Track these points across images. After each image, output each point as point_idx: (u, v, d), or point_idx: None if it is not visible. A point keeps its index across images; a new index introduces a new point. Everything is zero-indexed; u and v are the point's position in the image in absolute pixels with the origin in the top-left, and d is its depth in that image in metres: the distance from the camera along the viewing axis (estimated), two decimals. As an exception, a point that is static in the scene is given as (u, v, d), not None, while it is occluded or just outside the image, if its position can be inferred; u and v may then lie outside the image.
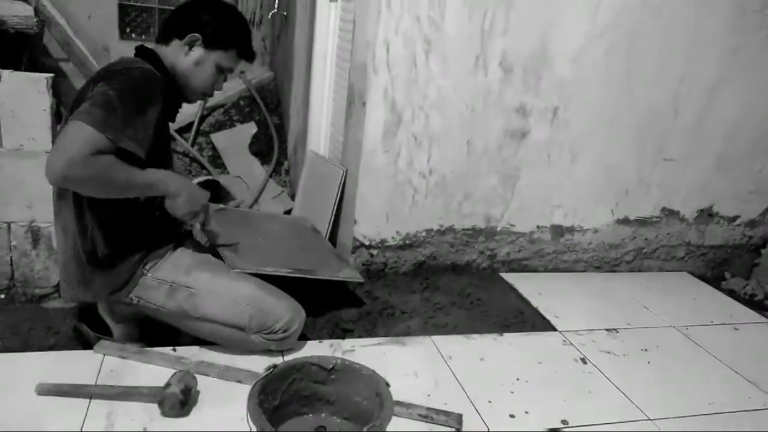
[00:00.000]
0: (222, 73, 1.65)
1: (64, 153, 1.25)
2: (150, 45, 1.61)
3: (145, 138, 1.40)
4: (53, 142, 1.57)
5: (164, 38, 1.61)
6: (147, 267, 1.60)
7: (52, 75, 2.03)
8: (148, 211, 1.58)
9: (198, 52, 1.59)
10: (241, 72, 3.88)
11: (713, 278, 2.80)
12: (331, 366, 1.38)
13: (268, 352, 1.67)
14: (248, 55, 1.68)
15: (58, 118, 2.10)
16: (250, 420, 1.16)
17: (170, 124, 1.71)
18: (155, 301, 1.60)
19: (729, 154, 2.60)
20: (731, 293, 2.66)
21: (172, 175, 1.50)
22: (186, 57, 1.59)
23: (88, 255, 1.55)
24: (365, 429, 1.17)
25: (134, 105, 1.36)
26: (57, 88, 2.23)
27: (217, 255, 1.75)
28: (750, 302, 2.59)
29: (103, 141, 1.28)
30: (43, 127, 2.02)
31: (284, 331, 1.64)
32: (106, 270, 1.56)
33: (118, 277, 1.57)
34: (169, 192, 1.48)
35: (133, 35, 3.84)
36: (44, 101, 2.00)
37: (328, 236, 2.37)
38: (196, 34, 1.58)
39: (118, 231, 1.55)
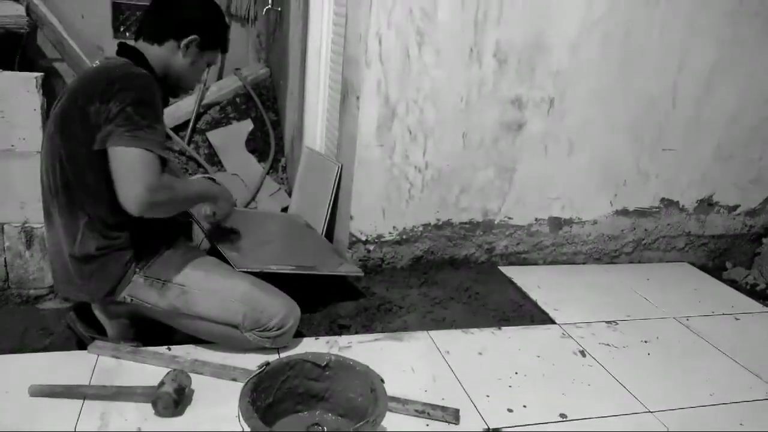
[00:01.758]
0: (209, 66, 1.71)
1: (139, 182, 1.36)
2: (130, 42, 1.60)
3: (165, 141, 1.51)
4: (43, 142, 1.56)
5: (156, 38, 1.58)
6: (139, 265, 1.58)
7: (42, 74, 2.02)
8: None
9: (193, 52, 1.61)
10: (237, 69, 3.86)
11: (714, 268, 2.78)
12: (324, 363, 1.36)
13: (263, 349, 1.66)
14: (226, 49, 1.74)
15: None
16: (242, 419, 1.14)
17: (167, 127, 1.73)
18: (148, 300, 1.59)
19: (728, 142, 2.57)
20: (732, 283, 2.63)
21: (210, 183, 1.70)
22: (183, 58, 1.60)
23: (79, 258, 1.53)
24: (359, 425, 1.16)
25: (153, 114, 1.43)
26: (51, 88, 2.21)
27: (216, 254, 1.74)
28: (751, 292, 2.56)
29: (156, 159, 1.40)
30: (34, 127, 2.00)
31: (279, 329, 1.62)
32: (97, 272, 1.55)
33: (111, 277, 1.56)
34: (216, 197, 1.70)
35: (127, 34, 3.82)
36: (35, 101, 1.99)
37: (324, 232, 2.35)
38: (195, 37, 1.58)
39: (107, 234, 1.53)
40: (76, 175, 1.48)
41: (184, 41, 1.58)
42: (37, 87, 1.98)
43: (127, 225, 1.55)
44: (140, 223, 1.57)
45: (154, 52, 1.58)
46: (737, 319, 2.23)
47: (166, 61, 1.59)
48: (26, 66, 3.15)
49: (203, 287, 1.59)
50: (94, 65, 1.58)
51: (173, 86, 1.65)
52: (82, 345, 1.70)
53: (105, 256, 1.54)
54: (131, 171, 1.37)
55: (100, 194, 1.48)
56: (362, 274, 2.06)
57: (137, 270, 1.58)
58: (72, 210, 1.51)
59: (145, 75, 1.47)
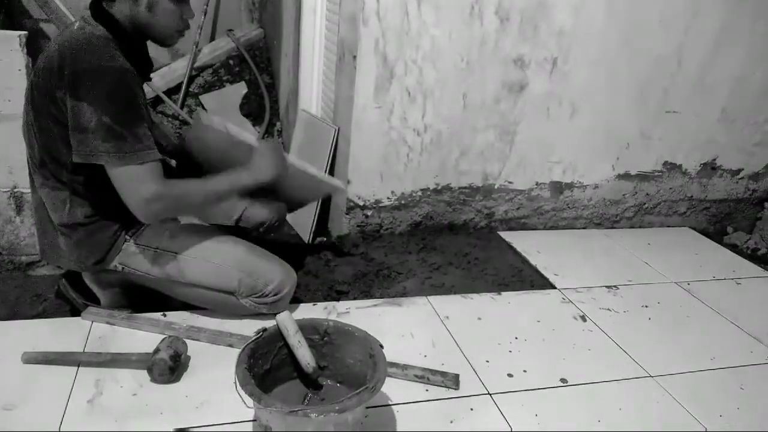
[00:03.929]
0: (181, 2, 1.46)
1: (134, 197, 1.36)
2: None
3: (151, 127, 1.41)
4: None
5: None
6: (130, 233, 1.54)
7: (25, 33, 1.93)
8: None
9: None
10: (229, 30, 3.75)
11: (715, 233, 2.76)
12: (323, 329, 1.34)
13: (260, 315, 1.63)
14: None
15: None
16: (238, 385, 1.12)
17: (160, 90, 1.60)
18: (140, 268, 1.55)
19: (733, 105, 2.52)
20: (733, 248, 2.61)
21: (238, 173, 1.51)
22: (136, 8, 1.41)
23: (67, 227, 1.49)
24: (358, 391, 1.13)
25: (131, 115, 1.35)
26: (38, 49, 2.12)
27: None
28: (752, 257, 2.55)
29: (147, 168, 1.35)
30: (20, 88, 1.91)
31: (275, 294, 1.59)
32: (86, 240, 1.51)
33: (100, 245, 1.52)
34: (246, 186, 1.52)
35: (115, -7, 3.68)
36: (19, 60, 1.91)
37: (321, 198, 2.30)
38: None
39: (94, 203, 1.48)
40: (50, 150, 1.42)
41: None
42: (20, 46, 1.90)
43: (113, 195, 1.50)
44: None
45: (116, 12, 1.41)
46: (738, 283, 2.22)
47: (126, 15, 1.42)
48: (11, 27, 3.04)
49: (197, 254, 1.56)
50: (74, 27, 1.42)
51: (153, 38, 1.49)
52: (75, 311, 1.68)
53: (94, 224, 1.50)
54: (125, 187, 1.37)
55: (76, 170, 1.42)
56: (344, 188, 1.86)
57: (128, 237, 1.54)
58: (54, 183, 1.46)
59: (116, 69, 1.33)
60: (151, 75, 1.68)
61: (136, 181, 1.36)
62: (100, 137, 1.31)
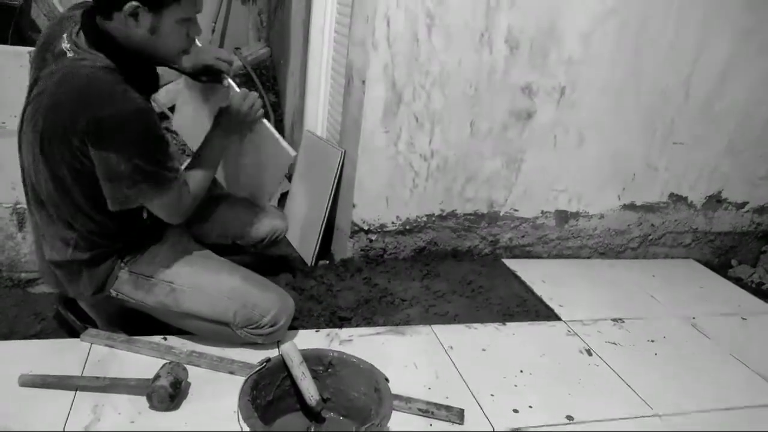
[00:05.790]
0: (188, 21, 1.37)
1: (175, 215, 1.48)
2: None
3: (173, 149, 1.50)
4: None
5: (104, 13, 1.32)
6: (125, 261, 1.51)
7: (34, 49, 1.92)
8: (132, 218, 1.48)
9: (147, 19, 1.30)
10: (237, 48, 3.77)
11: (720, 265, 2.74)
12: (327, 360, 1.31)
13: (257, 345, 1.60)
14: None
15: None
16: (240, 418, 1.09)
17: (165, 107, 1.61)
18: (134, 296, 1.52)
19: (740, 137, 2.51)
20: (738, 281, 2.59)
21: (216, 136, 1.60)
22: (137, 29, 1.31)
23: (69, 263, 1.46)
24: (363, 428, 1.11)
25: (160, 147, 1.37)
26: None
27: None
28: (757, 291, 2.52)
29: (178, 189, 1.43)
30: (27, 104, 1.91)
31: (271, 326, 1.55)
32: (86, 272, 1.48)
33: (97, 276, 1.49)
34: (232, 141, 1.66)
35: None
36: (27, 77, 1.90)
37: (325, 220, 2.29)
38: (134, 2, 1.27)
39: (100, 243, 1.46)
40: (62, 193, 1.37)
41: (125, 10, 1.28)
42: (30, 62, 1.89)
43: (121, 232, 1.48)
44: (134, 227, 1.50)
45: (112, 30, 1.32)
46: (744, 318, 2.19)
47: (124, 35, 1.32)
48: (20, 40, 3.05)
49: (192, 284, 1.52)
50: (64, 49, 1.33)
51: (155, 59, 1.42)
52: (74, 332, 1.65)
53: (93, 262, 1.47)
54: (165, 210, 1.45)
55: (89, 211, 1.40)
56: (293, 155, 1.82)
57: (122, 265, 1.51)
58: (59, 224, 1.42)
59: (134, 110, 1.29)
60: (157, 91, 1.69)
61: (175, 204, 1.45)
62: (136, 180, 1.33)
